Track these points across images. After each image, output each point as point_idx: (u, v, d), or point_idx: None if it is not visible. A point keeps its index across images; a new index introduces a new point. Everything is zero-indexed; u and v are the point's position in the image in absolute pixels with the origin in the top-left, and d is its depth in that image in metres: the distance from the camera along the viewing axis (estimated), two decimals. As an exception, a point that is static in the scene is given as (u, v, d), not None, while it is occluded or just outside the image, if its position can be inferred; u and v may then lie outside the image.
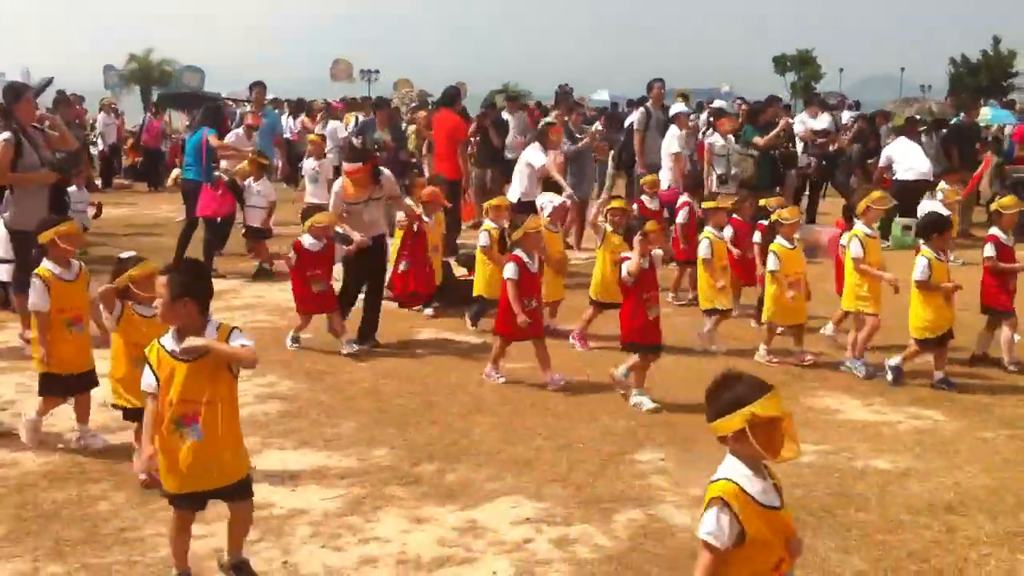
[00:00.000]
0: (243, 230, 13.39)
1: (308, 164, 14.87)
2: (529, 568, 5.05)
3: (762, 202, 10.33)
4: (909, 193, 15.24)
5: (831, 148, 18.33)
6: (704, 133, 16.33)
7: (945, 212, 10.05)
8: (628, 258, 7.75)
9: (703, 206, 10.04)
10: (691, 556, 5.16)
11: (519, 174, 12.58)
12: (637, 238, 7.71)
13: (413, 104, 25.06)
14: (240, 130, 14.47)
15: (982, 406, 7.88)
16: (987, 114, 24.27)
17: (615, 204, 9.95)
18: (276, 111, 21.13)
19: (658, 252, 8.01)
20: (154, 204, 20.60)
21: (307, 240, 9.17)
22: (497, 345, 8.36)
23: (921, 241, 8.68)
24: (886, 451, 6.86)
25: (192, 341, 4.38)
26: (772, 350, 9.12)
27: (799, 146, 17.11)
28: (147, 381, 4.49)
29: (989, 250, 8.97)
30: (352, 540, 5.31)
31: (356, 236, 9.22)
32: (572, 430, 7.16)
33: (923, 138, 17.25)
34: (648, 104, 15.52)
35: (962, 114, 18.24)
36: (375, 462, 6.46)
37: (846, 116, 23.99)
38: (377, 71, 52.98)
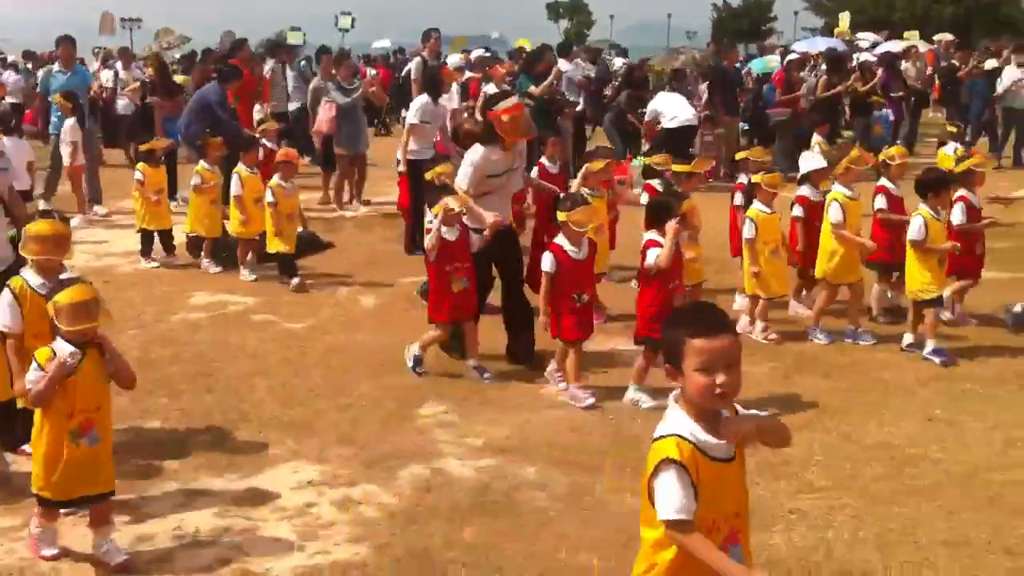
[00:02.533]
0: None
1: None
2: (312, 532, 5.01)
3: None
4: (676, 140, 15.83)
5: (604, 95, 18.83)
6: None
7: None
8: (654, 242, 6.70)
9: (673, 169, 8.83)
10: (472, 510, 5.27)
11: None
12: (671, 223, 6.61)
13: (167, 49, 24.00)
14: None
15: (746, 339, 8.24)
16: (770, 61, 25.00)
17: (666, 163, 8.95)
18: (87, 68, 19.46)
19: (684, 233, 6.98)
20: None
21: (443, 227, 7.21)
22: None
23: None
24: (656, 392, 7.10)
25: (741, 421, 3.06)
26: (757, 320, 8.41)
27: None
28: (688, 505, 2.95)
29: (880, 202, 8.59)
30: (125, 519, 5.11)
31: (489, 217, 7.38)
32: (355, 389, 7.11)
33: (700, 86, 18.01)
34: (424, 54, 15.41)
35: (724, 61, 18.96)
36: (147, 436, 6.23)
37: (618, 63, 24.65)
38: (139, 19, 50.54)
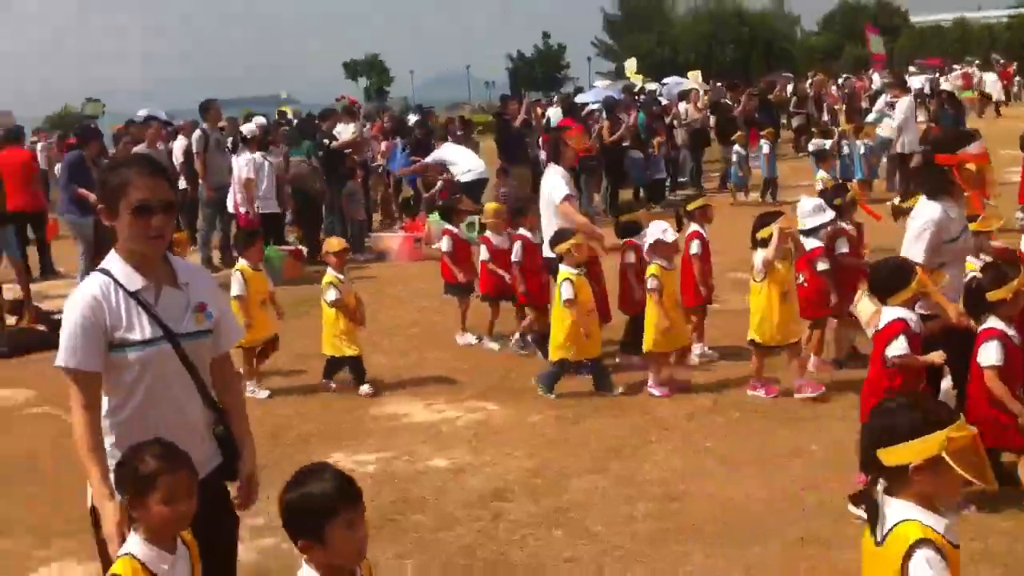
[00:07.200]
0: None
1: None
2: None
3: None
4: (470, 193, 16.15)
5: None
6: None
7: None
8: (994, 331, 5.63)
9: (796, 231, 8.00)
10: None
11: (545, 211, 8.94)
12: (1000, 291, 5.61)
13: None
14: None
15: (531, 391, 8.35)
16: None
17: (782, 224, 7.69)
18: None
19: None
20: None
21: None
22: None
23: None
24: (444, 448, 7.21)
25: None
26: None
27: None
28: None
29: (695, 247, 8.75)
30: None
31: (953, 311, 5.76)
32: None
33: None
34: (205, 126, 15.17)
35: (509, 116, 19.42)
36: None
37: (412, 119, 24.82)
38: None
